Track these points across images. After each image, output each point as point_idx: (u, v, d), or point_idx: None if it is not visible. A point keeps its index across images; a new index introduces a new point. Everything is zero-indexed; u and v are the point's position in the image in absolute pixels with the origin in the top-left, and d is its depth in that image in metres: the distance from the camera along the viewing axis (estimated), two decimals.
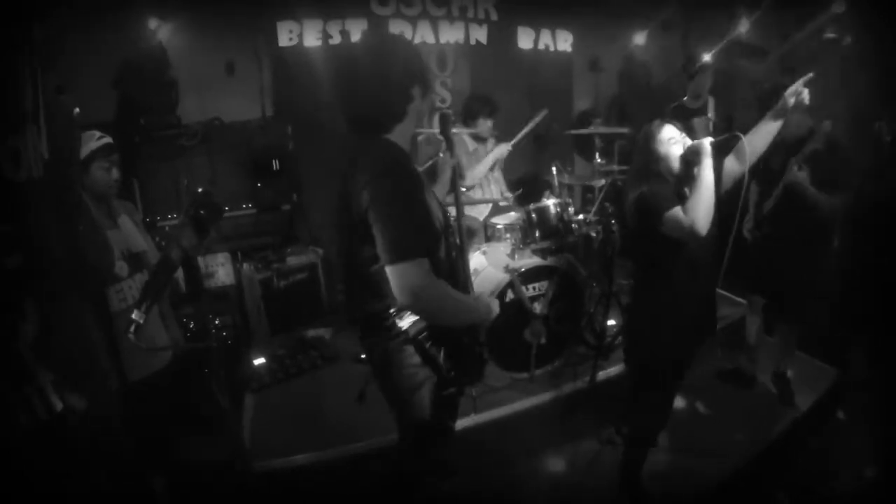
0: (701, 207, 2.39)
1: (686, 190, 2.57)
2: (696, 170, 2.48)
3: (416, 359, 2.06)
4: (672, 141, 2.62)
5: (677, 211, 2.44)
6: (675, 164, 2.61)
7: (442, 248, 2.06)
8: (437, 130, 2.53)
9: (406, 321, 2.00)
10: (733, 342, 4.35)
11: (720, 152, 2.57)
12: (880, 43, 5.65)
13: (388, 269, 1.86)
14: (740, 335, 4.24)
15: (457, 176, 2.47)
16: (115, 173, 2.59)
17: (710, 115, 4.75)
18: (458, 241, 2.28)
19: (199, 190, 2.15)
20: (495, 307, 2.20)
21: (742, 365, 4.16)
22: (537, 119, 4.76)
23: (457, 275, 2.18)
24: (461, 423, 3.39)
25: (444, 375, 2.07)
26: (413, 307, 1.92)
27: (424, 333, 2.00)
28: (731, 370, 4.20)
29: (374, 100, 1.99)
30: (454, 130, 3.97)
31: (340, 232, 2.11)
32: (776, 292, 3.84)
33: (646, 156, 2.68)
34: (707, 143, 2.48)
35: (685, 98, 4.96)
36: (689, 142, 2.61)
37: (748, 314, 4.15)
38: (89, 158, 2.49)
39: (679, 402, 3.75)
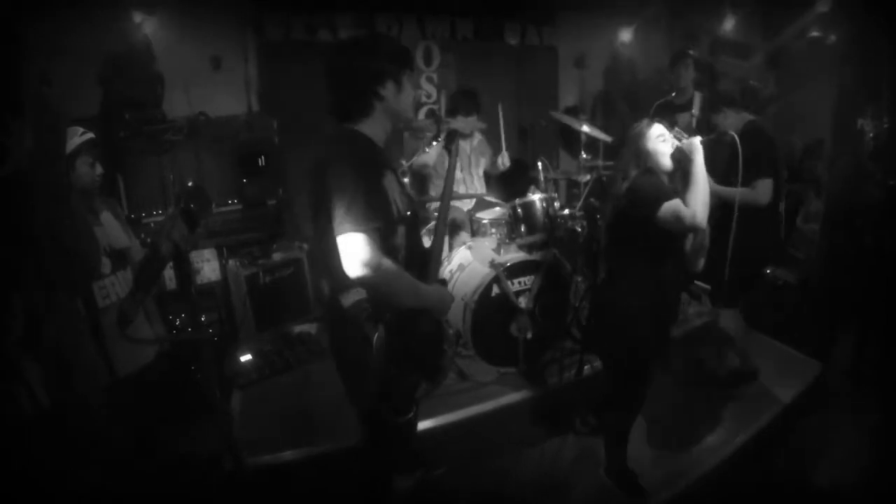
0: (699, 200, 2.54)
1: (677, 186, 2.68)
2: (690, 166, 2.59)
3: (357, 340, 2.09)
4: (661, 138, 2.73)
5: (677, 203, 2.54)
6: (665, 160, 2.71)
7: (399, 236, 2.13)
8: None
9: (348, 299, 2.07)
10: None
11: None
12: (864, 42, 5.72)
13: (338, 241, 1.94)
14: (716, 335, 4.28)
15: (451, 185, 2.48)
16: (98, 169, 2.59)
17: (695, 111, 4.78)
18: (428, 239, 2.35)
19: (189, 183, 2.16)
20: (450, 297, 2.28)
21: (735, 363, 4.17)
22: (501, 116, 4.80)
23: (416, 268, 2.19)
24: (449, 418, 3.44)
25: (379, 361, 2.07)
26: (360, 280, 1.96)
27: (366, 313, 2.07)
28: (730, 372, 4.14)
29: (335, 93, 2.15)
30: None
31: (314, 221, 2.17)
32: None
33: (634, 152, 2.77)
34: (698, 140, 2.61)
35: (672, 94, 4.99)
36: (677, 141, 2.71)
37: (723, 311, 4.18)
38: (73, 154, 2.49)
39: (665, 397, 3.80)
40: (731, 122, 3.65)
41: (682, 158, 2.65)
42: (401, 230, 2.13)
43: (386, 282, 2.00)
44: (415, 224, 2.26)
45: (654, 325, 2.82)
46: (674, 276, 2.86)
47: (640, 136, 2.76)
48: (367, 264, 1.91)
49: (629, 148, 2.80)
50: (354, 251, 1.91)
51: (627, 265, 2.83)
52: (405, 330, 2.12)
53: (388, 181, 2.10)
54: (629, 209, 2.67)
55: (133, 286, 2.07)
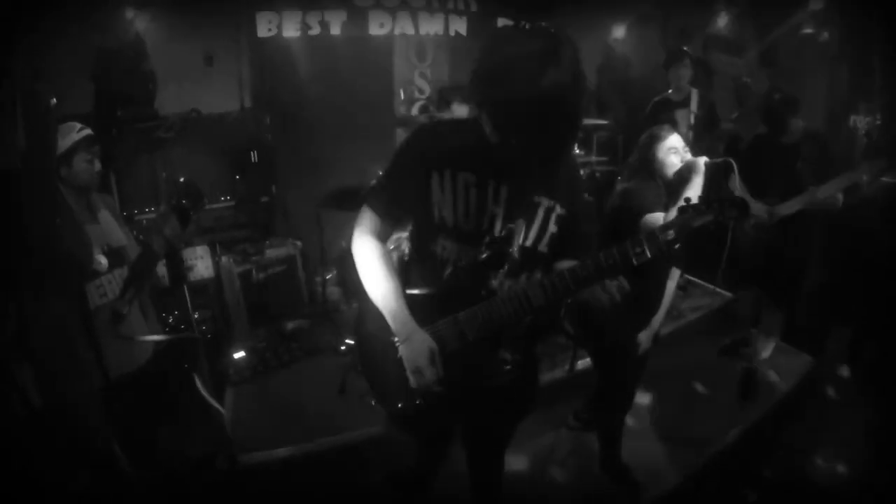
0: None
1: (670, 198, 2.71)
2: (685, 186, 2.59)
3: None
4: (672, 150, 2.79)
5: (658, 217, 2.56)
6: (669, 171, 2.76)
7: (439, 247, 1.83)
8: None
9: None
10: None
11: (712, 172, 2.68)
12: (856, 39, 5.74)
13: None
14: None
15: None
16: (96, 165, 2.55)
17: (694, 108, 4.80)
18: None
19: (182, 179, 2.16)
20: (424, 358, 1.74)
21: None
22: None
23: (437, 299, 1.83)
24: None
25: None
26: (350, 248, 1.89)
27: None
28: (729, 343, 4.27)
29: None
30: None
31: None
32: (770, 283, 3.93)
33: (645, 154, 2.83)
34: (702, 162, 2.60)
35: (670, 91, 4.99)
36: (688, 156, 2.75)
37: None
38: (71, 150, 2.44)
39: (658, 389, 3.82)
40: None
41: (685, 175, 2.66)
42: (444, 242, 1.81)
43: (358, 264, 1.85)
44: (472, 250, 1.81)
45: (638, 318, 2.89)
46: (660, 273, 2.93)
47: (655, 141, 2.81)
48: (354, 236, 1.85)
49: (640, 150, 2.87)
50: (357, 221, 1.87)
51: None
52: (363, 338, 2.00)
53: (443, 181, 1.77)
54: (621, 209, 2.72)
55: (125, 282, 2.06)
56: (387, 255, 1.85)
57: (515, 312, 1.71)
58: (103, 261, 2.49)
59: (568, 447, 3.45)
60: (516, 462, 3.37)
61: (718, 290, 4.77)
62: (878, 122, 5.45)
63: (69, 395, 2.15)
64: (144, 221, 4.48)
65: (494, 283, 1.78)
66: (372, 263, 1.82)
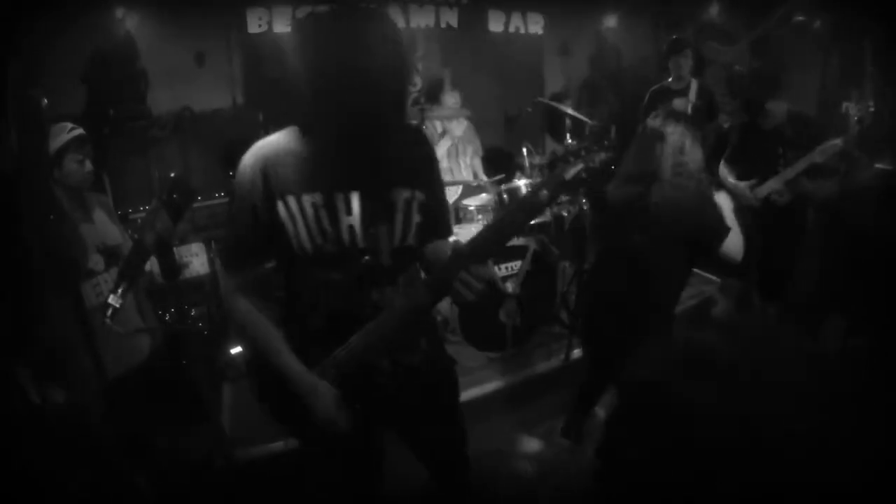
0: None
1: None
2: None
3: None
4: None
5: None
6: None
7: (308, 276, 1.70)
8: None
9: None
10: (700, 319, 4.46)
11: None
12: (848, 26, 5.75)
13: None
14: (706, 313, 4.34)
15: None
16: (88, 165, 2.54)
17: (692, 97, 4.80)
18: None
19: (172, 174, 2.16)
20: (330, 409, 1.65)
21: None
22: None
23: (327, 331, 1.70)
24: None
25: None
26: None
27: None
28: None
29: None
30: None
31: None
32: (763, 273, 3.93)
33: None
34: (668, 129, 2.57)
35: (669, 80, 5.00)
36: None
37: (718, 294, 4.26)
38: (62, 151, 2.44)
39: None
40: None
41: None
42: (312, 271, 1.68)
43: (242, 330, 1.75)
44: (342, 271, 1.67)
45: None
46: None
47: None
48: (224, 299, 1.75)
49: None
50: (221, 285, 1.77)
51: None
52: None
53: (290, 209, 1.62)
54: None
55: (117, 276, 2.07)
56: (260, 310, 1.71)
57: (406, 319, 1.64)
58: (99, 260, 2.51)
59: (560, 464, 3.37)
60: (517, 452, 3.40)
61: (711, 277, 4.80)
62: (871, 109, 5.45)
63: (68, 394, 2.17)
64: (138, 220, 4.50)
65: (375, 295, 1.68)
66: (249, 328, 1.72)
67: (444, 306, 3.84)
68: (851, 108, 5.44)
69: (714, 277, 4.83)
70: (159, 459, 2.81)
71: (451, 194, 4.76)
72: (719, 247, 2.53)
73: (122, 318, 2.44)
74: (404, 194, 1.67)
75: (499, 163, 5.14)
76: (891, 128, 5.22)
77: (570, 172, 1.56)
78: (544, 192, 1.53)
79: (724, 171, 3.87)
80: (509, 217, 1.59)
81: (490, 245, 1.58)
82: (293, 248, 1.62)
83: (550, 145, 6.79)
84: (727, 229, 2.54)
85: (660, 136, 2.57)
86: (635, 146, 2.71)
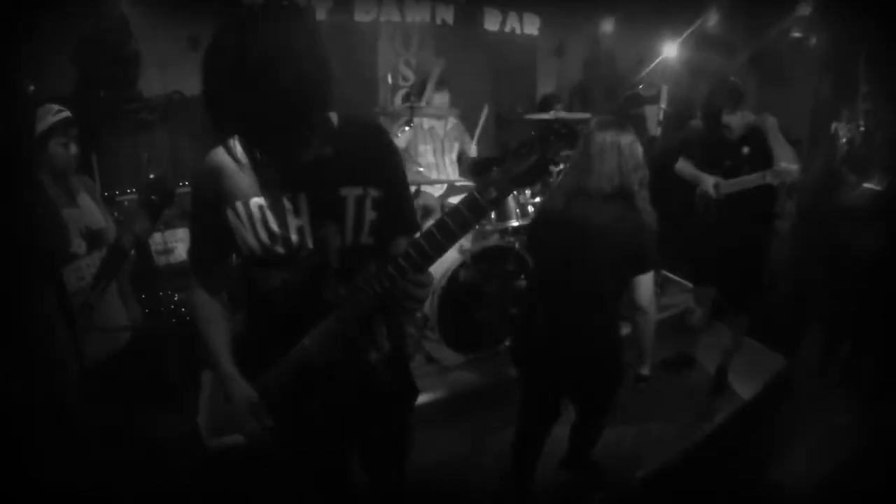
0: None
1: None
2: None
3: None
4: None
5: None
6: None
7: (260, 279, 1.71)
8: None
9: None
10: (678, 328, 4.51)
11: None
12: (841, 46, 5.79)
13: None
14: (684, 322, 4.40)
15: None
16: (73, 149, 2.50)
17: (663, 104, 4.84)
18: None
19: (151, 176, 2.17)
20: (242, 415, 1.71)
21: (685, 350, 4.31)
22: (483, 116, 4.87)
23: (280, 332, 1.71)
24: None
25: None
26: None
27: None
28: (674, 356, 4.30)
29: None
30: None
31: None
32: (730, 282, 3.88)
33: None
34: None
35: (640, 87, 5.04)
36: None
37: (693, 302, 4.30)
38: (47, 134, 2.39)
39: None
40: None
41: None
42: (265, 274, 1.70)
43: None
44: (293, 273, 1.68)
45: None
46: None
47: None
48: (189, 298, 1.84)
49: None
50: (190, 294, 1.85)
51: None
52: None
53: (239, 214, 1.64)
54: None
55: (95, 277, 2.08)
56: (221, 314, 1.82)
57: (357, 317, 1.62)
58: (82, 244, 2.48)
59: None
60: (495, 453, 3.37)
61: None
62: (862, 129, 5.48)
63: (49, 382, 2.17)
64: (126, 203, 4.49)
65: (329, 295, 1.65)
66: (199, 323, 1.81)
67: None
68: (841, 129, 5.48)
69: (689, 284, 4.88)
70: (137, 448, 2.81)
71: (436, 192, 4.78)
72: (636, 275, 2.47)
73: (104, 316, 2.45)
74: (355, 192, 1.64)
75: (485, 163, 5.16)
76: (880, 149, 5.28)
77: (522, 167, 1.39)
78: (491, 191, 1.38)
79: (682, 164, 3.88)
80: (449, 219, 1.40)
81: (426, 252, 1.44)
82: (244, 252, 1.65)
83: None
84: (654, 262, 2.50)
85: (615, 147, 2.43)
86: (584, 157, 2.50)
